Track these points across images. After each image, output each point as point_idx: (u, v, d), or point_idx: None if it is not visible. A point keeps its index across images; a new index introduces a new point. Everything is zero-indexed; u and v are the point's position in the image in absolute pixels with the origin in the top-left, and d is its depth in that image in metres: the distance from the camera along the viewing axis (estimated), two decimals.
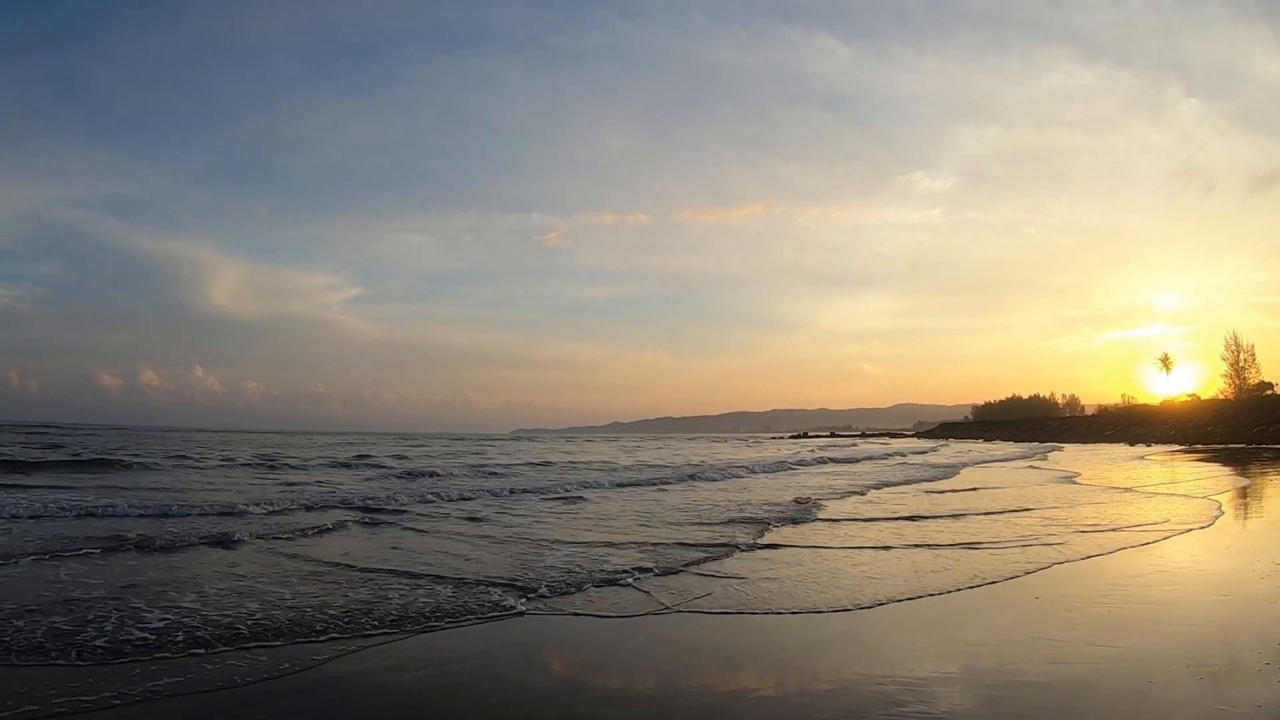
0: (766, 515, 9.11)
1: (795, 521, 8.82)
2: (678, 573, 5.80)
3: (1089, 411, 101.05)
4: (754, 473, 17.97)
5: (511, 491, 12.02)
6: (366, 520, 8.60)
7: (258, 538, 7.13)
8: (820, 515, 9.48)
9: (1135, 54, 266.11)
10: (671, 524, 8.52)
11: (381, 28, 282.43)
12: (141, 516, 8.35)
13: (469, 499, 10.95)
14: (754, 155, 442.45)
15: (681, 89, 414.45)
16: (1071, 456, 31.73)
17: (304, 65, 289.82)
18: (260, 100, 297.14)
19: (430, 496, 10.74)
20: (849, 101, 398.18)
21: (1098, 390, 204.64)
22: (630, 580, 5.46)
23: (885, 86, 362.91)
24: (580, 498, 11.39)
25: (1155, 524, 8.60)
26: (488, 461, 22.17)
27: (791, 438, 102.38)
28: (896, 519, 9.23)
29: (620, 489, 13.20)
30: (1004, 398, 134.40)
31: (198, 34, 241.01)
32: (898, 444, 36.32)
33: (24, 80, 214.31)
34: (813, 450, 34.96)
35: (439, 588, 5.15)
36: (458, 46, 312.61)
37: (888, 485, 14.75)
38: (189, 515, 8.49)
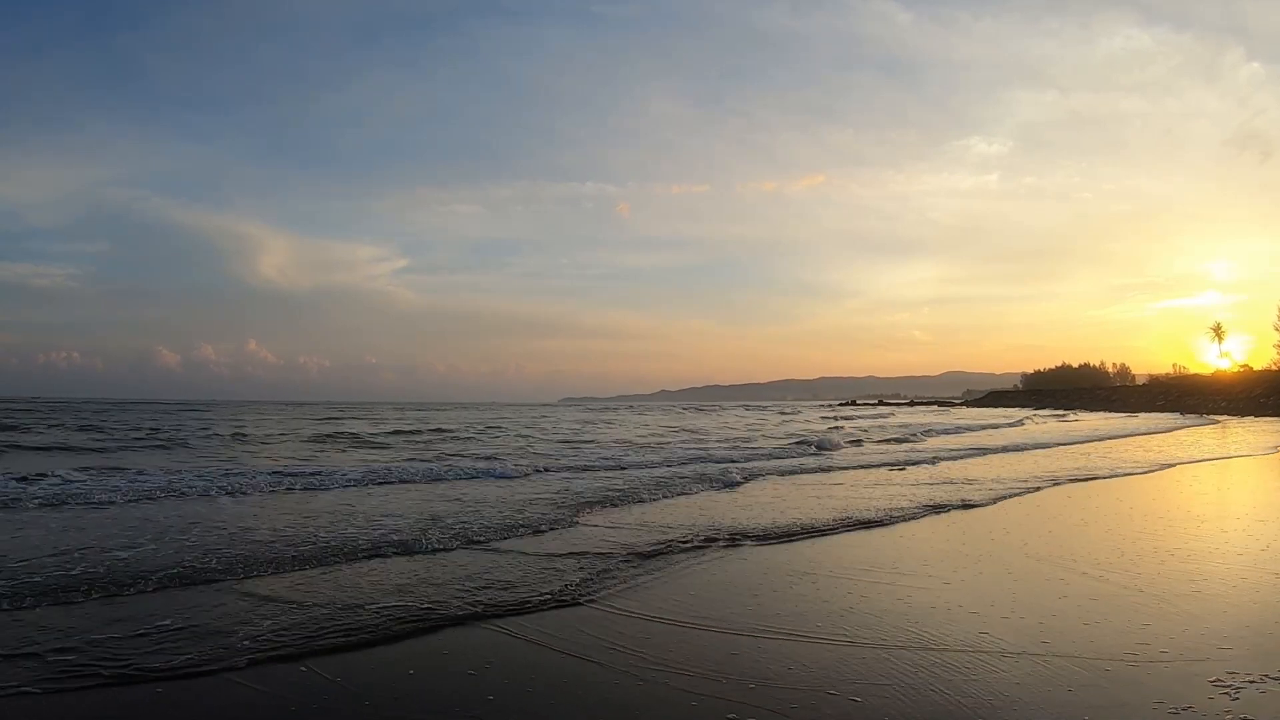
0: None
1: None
2: None
3: (1140, 381, 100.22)
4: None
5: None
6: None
7: None
8: None
9: (1195, 17, 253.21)
10: None
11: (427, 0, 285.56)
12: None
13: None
14: (807, 122, 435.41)
15: (733, 55, 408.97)
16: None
17: (350, 39, 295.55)
18: (306, 75, 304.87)
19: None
20: (905, 66, 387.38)
21: (1149, 359, 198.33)
22: None
23: (942, 50, 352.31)
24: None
25: None
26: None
27: (839, 404, 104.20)
28: None
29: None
30: (1053, 366, 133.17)
31: (244, 11, 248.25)
32: (1018, 424, 31.39)
33: (72, 63, 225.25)
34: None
35: None
36: (504, 17, 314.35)
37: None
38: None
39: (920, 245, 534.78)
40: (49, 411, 35.73)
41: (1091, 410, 61.86)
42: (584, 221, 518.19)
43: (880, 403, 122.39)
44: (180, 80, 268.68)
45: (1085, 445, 18.25)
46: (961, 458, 14.13)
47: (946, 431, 24.48)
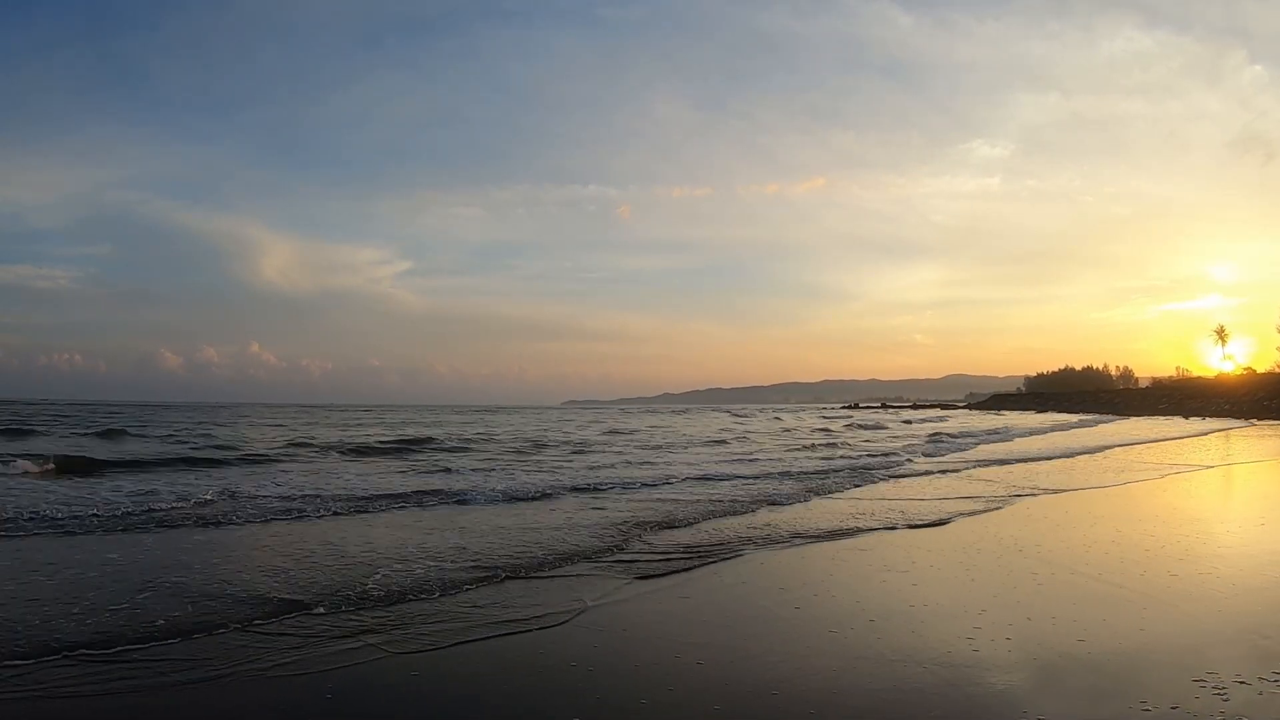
0: None
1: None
2: None
3: (1143, 384, 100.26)
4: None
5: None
6: None
7: None
8: None
9: (1197, 20, 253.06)
10: None
11: (430, 2, 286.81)
12: None
13: None
14: (809, 124, 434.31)
15: (736, 58, 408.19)
16: None
17: (353, 41, 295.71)
18: (309, 78, 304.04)
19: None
20: (907, 69, 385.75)
21: (1152, 362, 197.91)
22: None
23: (945, 53, 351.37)
24: None
25: None
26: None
27: (842, 408, 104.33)
28: None
29: None
30: (1056, 369, 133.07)
31: (246, 13, 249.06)
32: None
33: (75, 66, 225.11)
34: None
35: None
36: (507, 20, 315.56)
37: None
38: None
39: (922, 248, 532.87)
40: (92, 415, 35.69)
41: (1099, 413, 62.07)
42: (586, 224, 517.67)
43: (884, 406, 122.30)
44: (183, 83, 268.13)
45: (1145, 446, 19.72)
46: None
47: (1027, 434, 26.03)
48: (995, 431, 27.25)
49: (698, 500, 8.54)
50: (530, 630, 3.89)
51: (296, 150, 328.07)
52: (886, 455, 15.73)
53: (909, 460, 14.65)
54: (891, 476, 11.56)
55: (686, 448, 18.44)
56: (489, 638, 3.76)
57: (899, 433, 27.11)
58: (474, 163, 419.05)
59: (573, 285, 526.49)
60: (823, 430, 29.28)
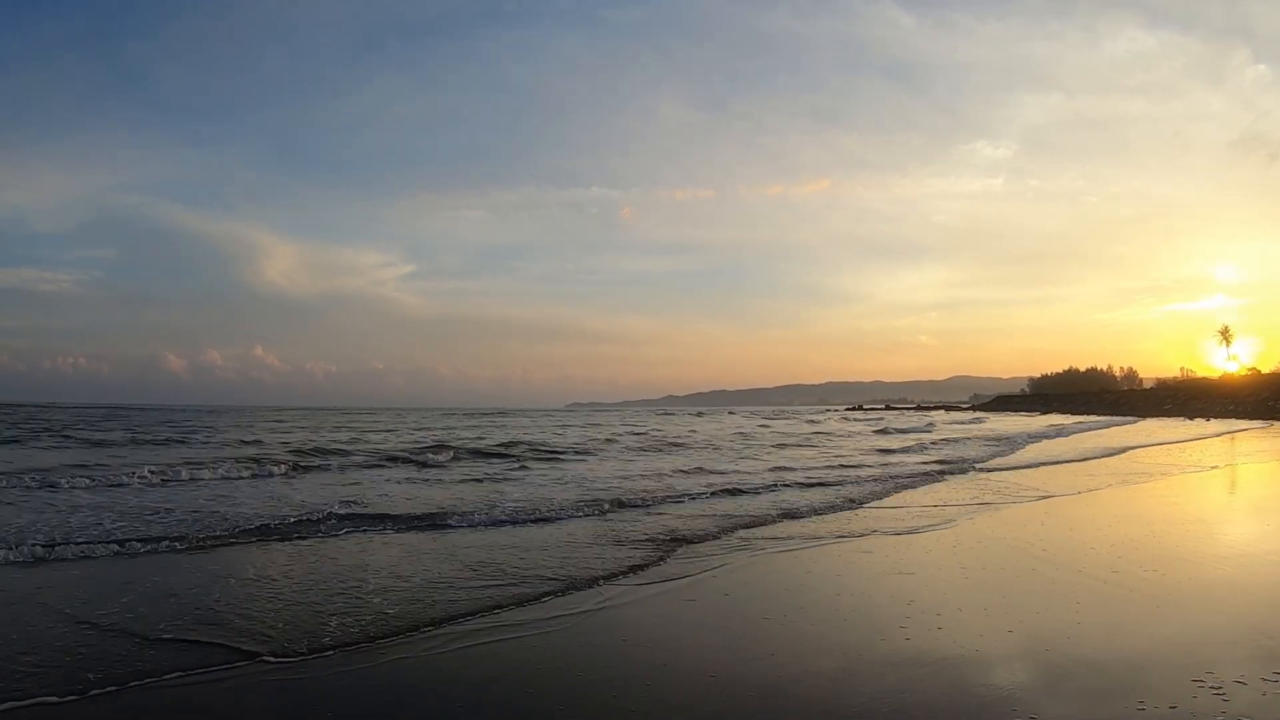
0: None
1: None
2: None
3: (1147, 385, 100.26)
4: None
5: None
6: None
7: None
8: None
9: (1200, 19, 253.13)
10: None
11: (432, 5, 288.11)
12: None
13: None
14: (813, 126, 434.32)
15: (737, 59, 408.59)
16: None
17: (354, 45, 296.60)
18: (311, 81, 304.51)
19: None
20: (910, 70, 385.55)
21: (1156, 363, 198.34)
22: None
23: (947, 54, 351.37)
24: None
25: None
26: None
27: (846, 409, 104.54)
28: None
29: None
30: (1060, 370, 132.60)
31: (248, 16, 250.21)
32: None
33: (78, 70, 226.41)
34: None
35: None
36: (508, 22, 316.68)
37: None
38: None
39: (926, 249, 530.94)
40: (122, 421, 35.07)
41: (1104, 414, 62.09)
42: (589, 226, 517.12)
43: (888, 407, 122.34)
44: (186, 86, 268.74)
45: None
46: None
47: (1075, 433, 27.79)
48: (1047, 430, 28.45)
49: (712, 515, 7.88)
50: (535, 634, 3.93)
51: (299, 153, 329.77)
52: (954, 461, 15.22)
53: (971, 461, 14.84)
54: (941, 478, 11.69)
55: (718, 450, 18.39)
56: (492, 641, 3.81)
57: (943, 436, 26.50)
58: (476, 165, 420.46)
59: (575, 287, 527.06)
60: (879, 431, 29.54)
